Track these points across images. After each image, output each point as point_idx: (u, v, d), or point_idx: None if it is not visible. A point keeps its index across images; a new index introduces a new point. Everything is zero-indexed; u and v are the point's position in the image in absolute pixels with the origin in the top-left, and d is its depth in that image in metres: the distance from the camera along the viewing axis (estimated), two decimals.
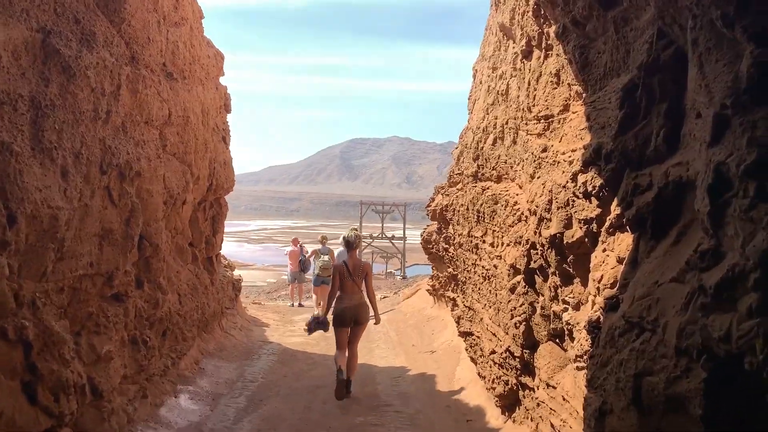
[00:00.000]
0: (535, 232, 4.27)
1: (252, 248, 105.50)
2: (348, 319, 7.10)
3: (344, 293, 7.04)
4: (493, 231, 5.95)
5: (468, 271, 6.90)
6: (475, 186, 6.73)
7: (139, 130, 5.70)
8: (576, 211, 3.75)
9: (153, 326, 6.74)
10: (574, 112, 4.15)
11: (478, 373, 6.32)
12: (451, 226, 8.87)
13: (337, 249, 13.98)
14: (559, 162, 4.11)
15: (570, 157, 3.92)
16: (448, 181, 9.84)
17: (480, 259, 6.39)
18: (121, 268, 5.55)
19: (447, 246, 9.12)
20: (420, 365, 8.31)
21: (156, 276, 6.62)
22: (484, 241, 6.31)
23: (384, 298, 20.59)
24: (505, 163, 5.77)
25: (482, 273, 6.14)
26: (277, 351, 9.96)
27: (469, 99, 8.59)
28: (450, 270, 9.09)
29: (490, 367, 5.53)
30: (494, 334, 5.32)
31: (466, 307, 6.96)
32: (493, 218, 6.02)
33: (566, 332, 4.02)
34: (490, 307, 5.54)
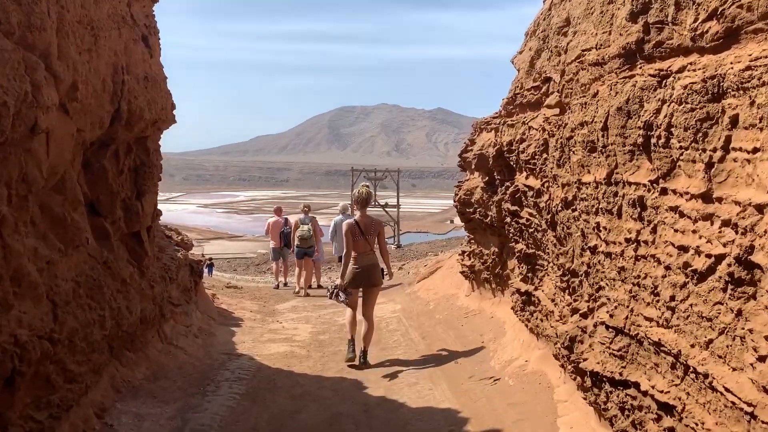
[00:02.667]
0: None
1: (242, 219, 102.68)
2: (360, 280, 6.65)
3: (356, 253, 6.55)
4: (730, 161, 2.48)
5: (609, 255, 3.43)
6: (632, 77, 3.22)
7: None
8: None
9: None
10: None
11: None
12: (524, 175, 5.41)
13: (336, 216, 12.39)
14: None
15: None
16: (504, 109, 6.32)
17: (659, 232, 2.93)
18: None
19: (516, 207, 5.66)
20: (482, 409, 4.90)
21: None
22: (674, 193, 2.84)
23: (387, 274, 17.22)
24: None
25: (680, 264, 2.68)
26: (246, 372, 6.55)
27: None
28: (520, 246, 5.65)
29: None
30: None
31: (605, 326, 3.51)
32: (709, 138, 2.55)
33: None
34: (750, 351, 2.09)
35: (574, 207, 3.97)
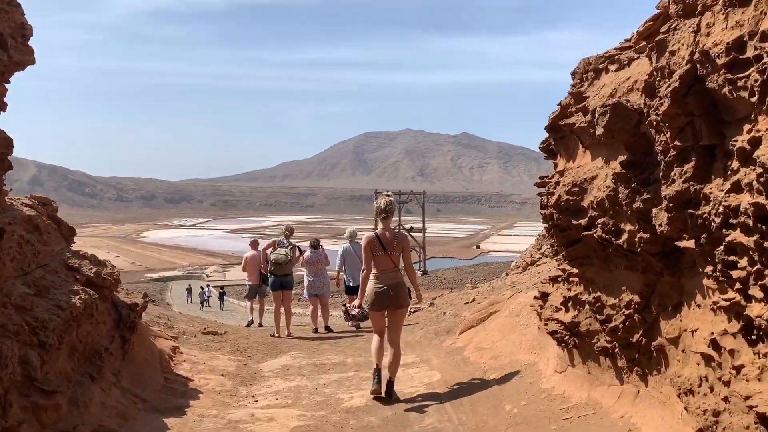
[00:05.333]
0: None
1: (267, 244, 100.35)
2: (383, 302, 5.89)
3: (377, 271, 5.88)
4: None
5: None
6: None
7: None
8: None
9: None
10: None
11: None
12: None
13: (343, 243, 11.46)
14: None
15: None
16: (677, 2, 2.86)
17: None
18: None
19: None
20: None
21: None
22: None
23: (414, 311, 13.67)
24: None
25: None
26: None
27: None
28: None
29: None
30: None
31: None
32: None
33: None
34: None
35: None
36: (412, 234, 64.07)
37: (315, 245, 11.13)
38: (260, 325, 12.45)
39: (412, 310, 13.30)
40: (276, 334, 10.36)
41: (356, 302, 6.43)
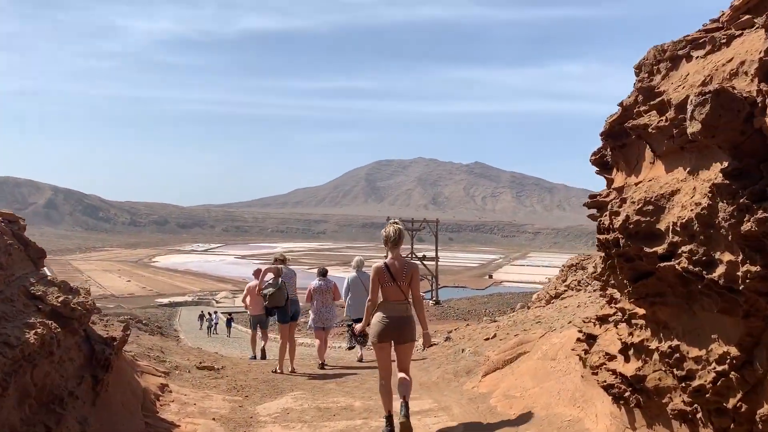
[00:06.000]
0: None
1: None
2: (388, 334, 5.59)
3: (384, 301, 5.65)
4: None
5: None
6: None
7: None
8: None
9: None
10: None
11: None
12: None
13: (349, 274, 10.83)
14: None
15: None
16: None
17: None
18: None
19: None
20: None
21: None
22: None
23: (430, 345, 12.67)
24: None
25: None
26: None
27: None
28: None
29: None
30: None
31: None
32: None
33: None
34: None
35: None
36: (425, 262, 63.01)
37: (323, 273, 10.38)
38: (264, 357, 11.86)
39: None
40: (279, 370, 9.49)
41: (359, 326, 6.25)
